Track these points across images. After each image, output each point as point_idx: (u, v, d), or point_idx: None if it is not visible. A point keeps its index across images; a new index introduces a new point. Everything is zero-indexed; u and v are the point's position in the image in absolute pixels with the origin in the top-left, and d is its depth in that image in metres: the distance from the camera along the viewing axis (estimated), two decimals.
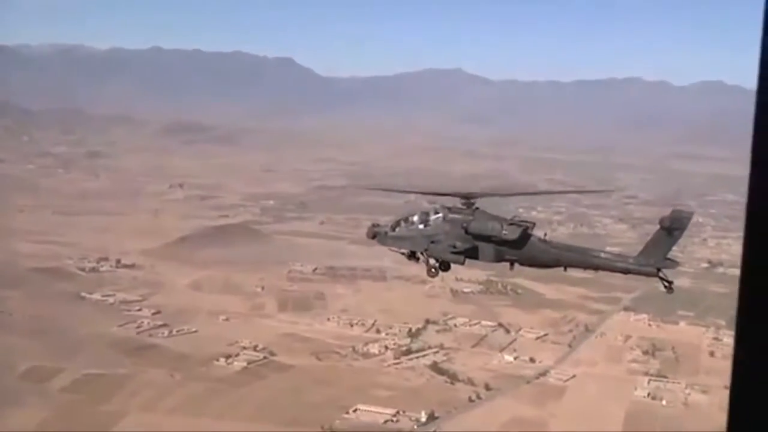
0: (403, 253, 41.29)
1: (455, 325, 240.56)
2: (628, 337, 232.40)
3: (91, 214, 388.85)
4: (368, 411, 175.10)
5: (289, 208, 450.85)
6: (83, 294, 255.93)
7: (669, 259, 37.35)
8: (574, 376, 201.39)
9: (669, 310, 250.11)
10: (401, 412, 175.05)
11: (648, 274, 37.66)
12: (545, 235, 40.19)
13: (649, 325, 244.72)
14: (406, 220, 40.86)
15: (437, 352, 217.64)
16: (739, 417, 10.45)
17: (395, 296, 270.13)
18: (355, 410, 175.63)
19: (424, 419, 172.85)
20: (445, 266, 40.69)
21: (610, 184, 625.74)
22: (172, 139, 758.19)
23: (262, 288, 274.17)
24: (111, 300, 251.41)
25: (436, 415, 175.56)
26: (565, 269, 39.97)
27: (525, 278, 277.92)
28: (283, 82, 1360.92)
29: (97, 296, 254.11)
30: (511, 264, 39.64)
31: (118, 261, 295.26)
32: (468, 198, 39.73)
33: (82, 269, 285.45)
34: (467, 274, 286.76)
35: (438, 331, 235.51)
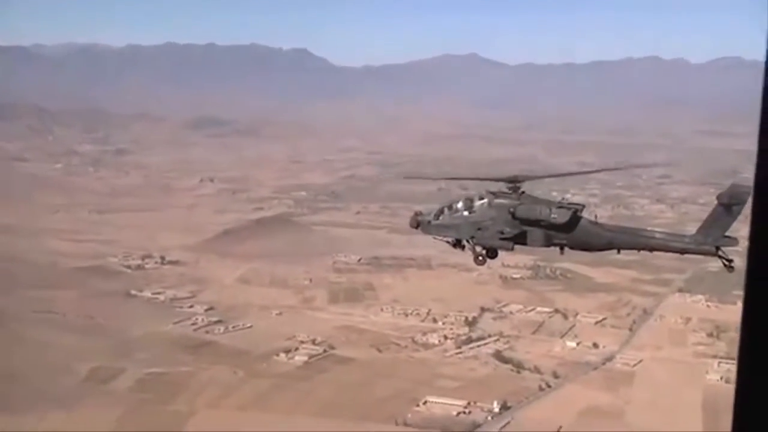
0: (448, 242, 39.78)
1: (511, 312, 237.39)
2: (688, 320, 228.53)
3: (127, 211, 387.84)
4: (439, 403, 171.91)
5: (322, 199, 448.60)
6: (133, 292, 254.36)
7: (728, 236, 35.36)
8: (641, 360, 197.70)
9: (724, 291, 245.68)
10: (472, 403, 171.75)
11: (707, 253, 36.05)
12: (595, 217, 38.76)
13: (708, 306, 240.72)
14: (450, 207, 39.45)
15: (497, 340, 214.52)
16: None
17: (444, 284, 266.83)
18: (425, 402, 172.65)
19: (497, 409, 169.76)
20: (492, 254, 39.10)
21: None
22: (194, 134, 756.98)
23: (310, 280, 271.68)
24: (162, 297, 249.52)
25: (509, 404, 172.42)
26: (618, 252, 38.33)
27: (572, 262, 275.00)
28: (299, 73, 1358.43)
29: (147, 294, 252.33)
30: (561, 248, 38.14)
31: (163, 258, 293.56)
32: (513, 182, 38.17)
33: (128, 267, 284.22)
34: (514, 260, 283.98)
35: (494, 319, 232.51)
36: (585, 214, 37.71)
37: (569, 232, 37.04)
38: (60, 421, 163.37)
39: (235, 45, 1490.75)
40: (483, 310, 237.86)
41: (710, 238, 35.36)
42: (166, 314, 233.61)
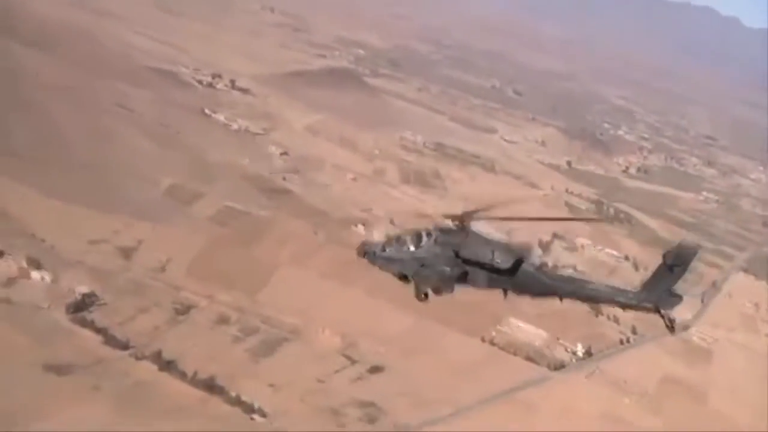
0: (393, 274, 37.85)
1: (582, 246, 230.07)
2: (757, 306, 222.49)
3: (191, 18, 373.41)
4: (521, 328, 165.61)
5: (381, 63, 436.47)
6: (207, 111, 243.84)
7: (674, 294, 35.77)
8: (716, 339, 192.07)
9: None
10: (555, 339, 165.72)
11: (648, 311, 36.19)
12: (545, 263, 37.90)
13: None
14: (398, 239, 37.62)
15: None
16: None
17: (511, 195, 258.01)
18: (508, 324, 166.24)
19: (580, 353, 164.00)
20: (437, 290, 36.87)
21: (681, 116, 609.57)
22: None
23: (379, 151, 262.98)
24: (235, 126, 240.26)
25: (592, 350, 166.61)
26: (561, 300, 37.47)
27: (630, 206, 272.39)
28: None
29: (220, 117, 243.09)
30: (505, 292, 36.76)
31: (233, 82, 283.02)
32: (461, 220, 36.20)
33: (199, 81, 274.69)
34: (577, 188, 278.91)
35: (565, 249, 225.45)
36: (536, 258, 36.74)
37: (511, 276, 35.71)
38: (146, 231, 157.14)
39: None
40: (555, 236, 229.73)
41: (653, 296, 35.57)
42: (240, 146, 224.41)
